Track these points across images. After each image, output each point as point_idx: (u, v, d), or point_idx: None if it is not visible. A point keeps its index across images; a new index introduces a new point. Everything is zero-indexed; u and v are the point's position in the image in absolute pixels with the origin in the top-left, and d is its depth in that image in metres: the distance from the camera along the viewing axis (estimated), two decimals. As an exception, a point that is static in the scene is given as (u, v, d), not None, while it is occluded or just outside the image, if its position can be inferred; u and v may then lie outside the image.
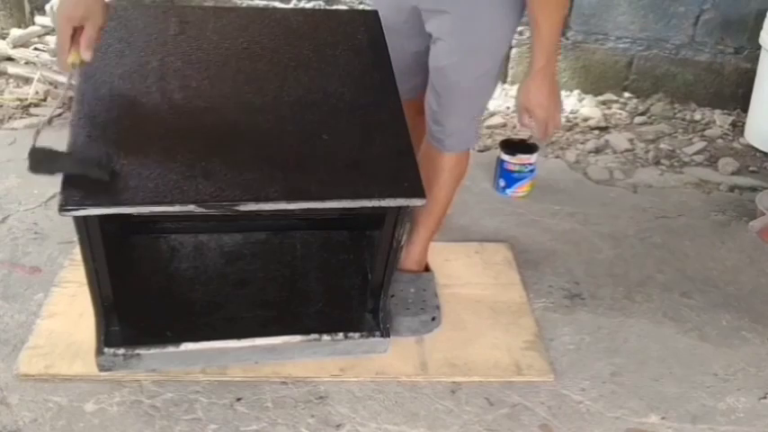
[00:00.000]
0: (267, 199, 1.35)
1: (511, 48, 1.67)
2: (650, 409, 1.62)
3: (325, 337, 1.63)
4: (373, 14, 1.67)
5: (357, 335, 1.64)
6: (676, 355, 1.78)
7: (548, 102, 1.58)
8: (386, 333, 1.66)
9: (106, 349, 1.54)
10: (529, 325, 1.83)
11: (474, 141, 1.80)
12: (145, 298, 1.69)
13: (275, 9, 1.66)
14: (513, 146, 2.42)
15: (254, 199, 1.34)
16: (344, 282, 1.80)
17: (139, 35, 1.55)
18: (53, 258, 1.94)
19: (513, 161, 2.37)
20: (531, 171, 2.39)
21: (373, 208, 1.42)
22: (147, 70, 1.49)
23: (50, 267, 1.91)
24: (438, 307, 1.82)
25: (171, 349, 1.57)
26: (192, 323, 1.64)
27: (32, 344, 1.65)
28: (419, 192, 1.40)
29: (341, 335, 1.63)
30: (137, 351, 1.55)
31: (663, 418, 1.60)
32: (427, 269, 1.93)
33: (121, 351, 1.55)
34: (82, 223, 1.34)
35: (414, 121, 1.75)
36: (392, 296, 1.77)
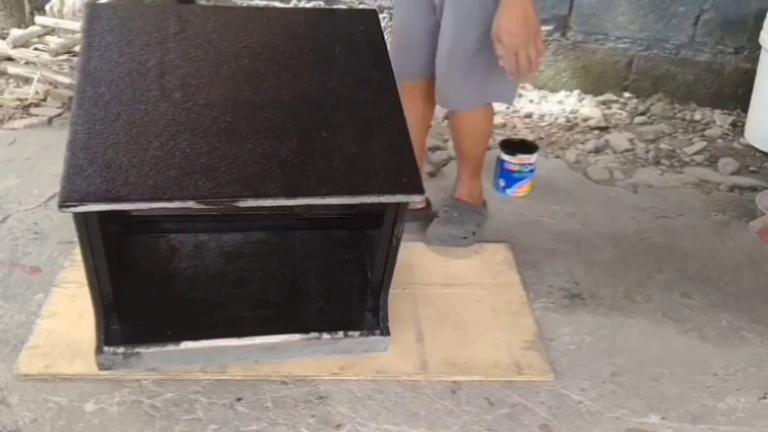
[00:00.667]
0: (266, 195, 1.35)
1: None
2: (650, 409, 1.62)
3: (325, 336, 1.63)
4: (372, 13, 1.68)
5: (357, 333, 1.64)
6: (676, 355, 1.78)
7: (517, 29, 1.59)
8: (386, 331, 1.66)
9: (106, 348, 1.54)
10: (529, 325, 1.83)
11: (481, 100, 1.95)
12: (145, 297, 1.69)
13: (275, 8, 1.67)
14: (513, 146, 2.42)
15: (254, 195, 1.35)
16: (344, 280, 1.80)
17: (139, 34, 1.55)
18: (53, 258, 1.94)
19: (514, 161, 2.37)
20: (531, 171, 2.39)
21: (372, 205, 1.42)
22: (146, 68, 1.49)
23: (50, 267, 1.91)
24: (475, 233, 1.94)
25: (171, 348, 1.57)
26: (191, 322, 1.64)
27: (32, 344, 1.65)
28: (417, 188, 1.41)
29: (341, 333, 1.63)
30: (136, 350, 1.55)
31: (663, 418, 1.60)
32: (484, 206, 2.10)
33: (121, 350, 1.55)
34: (81, 220, 1.34)
35: (419, 105, 2.00)
36: (437, 217, 1.97)
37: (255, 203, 1.36)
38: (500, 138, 2.61)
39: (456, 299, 1.89)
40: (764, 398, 1.67)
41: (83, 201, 1.28)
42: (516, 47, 1.61)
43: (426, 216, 2.15)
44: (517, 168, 2.38)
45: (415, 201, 1.43)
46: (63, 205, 1.28)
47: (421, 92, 2.02)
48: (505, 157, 2.38)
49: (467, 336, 1.77)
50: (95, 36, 1.53)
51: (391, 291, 1.66)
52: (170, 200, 1.31)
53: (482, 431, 1.54)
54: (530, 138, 2.77)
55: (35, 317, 1.73)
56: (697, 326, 1.89)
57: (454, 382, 1.65)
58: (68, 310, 1.74)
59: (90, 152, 1.34)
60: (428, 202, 2.19)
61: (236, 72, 1.53)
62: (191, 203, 1.32)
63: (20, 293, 1.82)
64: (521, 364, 1.70)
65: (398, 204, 1.45)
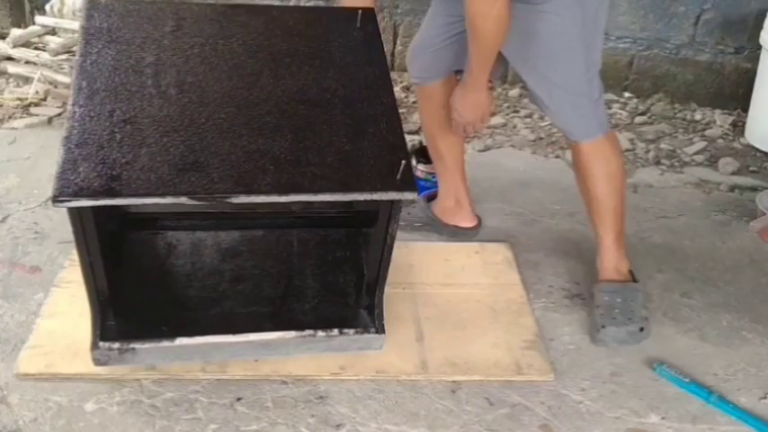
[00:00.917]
0: (259, 191, 1.35)
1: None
2: (650, 409, 1.62)
3: (320, 334, 1.63)
4: (369, 12, 1.68)
5: (352, 331, 1.64)
6: (676, 355, 1.78)
7: (462, 110, 1.80)
8: (381, 330, 1.66)
9: (101, 343, 1.53)
10: (529, 325, 1.83)
11: (595, 129, 1.80)
12: (141, 293, 1.69)
13: (272, 6, 1.67)
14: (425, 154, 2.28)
15: (246, 191, 1.35)
16: (340, 279, 1.80)
17: (136, 31, 1.56)
18: (53, 258, 1.94)
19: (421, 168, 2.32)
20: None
21: (367, 203, 1.42)
22: (142, 66, 1.50)
23: (50, 267, 1.91)
24: (647, 318, 1.80)
25: (166, 344, 1.57)
26: (187, 318, 1.64)
27: (32, 343, 1.65)
28: (411, 186, 1.41)
29: (335, 331, 1.63)
30: (132, 345, 1.55)
31: (663, 418, 1.60)
32: (634, 279, 1.88)
33: (116, 345, 1.54)
34: (76, 215, 1.34)
35: (440, 113, 1.95)
36: (597, 307, 1.80)
37: (248, 200, 1.36)
38: (500, 137, 2.60)
39: (456, 299, 1.89)
40: (764, 398, 1.67)
41: (76, 196, 1.28)
42: (464, 124, 1.84)
43: (475, 233, 2.16)
44: (423, 176, 2.33)
45: (408, 198, 1.42)
46: (57, 200, 1.28)
47: (440, 99, 1.96)
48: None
49: (467, 335, 1.77)
50: (93, 33, 1.54)
51: (391, 290, 1.66)
52: (163, 195, 1.32)
53: (482, 431, 1.54)
54: (530, 137, 2.77)
55: (35, 316, 1.73)
56: (697, 326, 1.88)
57: (454, 381, 1.65)
58: (68, 309, 1.74)
59: (85, 148, 1.34)
60: (479, 220, 2.20)
61: (232, 69, 1.53)
62: (183, 199, 1.32)
63: (20, 293, 1.82)
64: (521, 364, 1.70)
65: (392, 202, 1.46)
